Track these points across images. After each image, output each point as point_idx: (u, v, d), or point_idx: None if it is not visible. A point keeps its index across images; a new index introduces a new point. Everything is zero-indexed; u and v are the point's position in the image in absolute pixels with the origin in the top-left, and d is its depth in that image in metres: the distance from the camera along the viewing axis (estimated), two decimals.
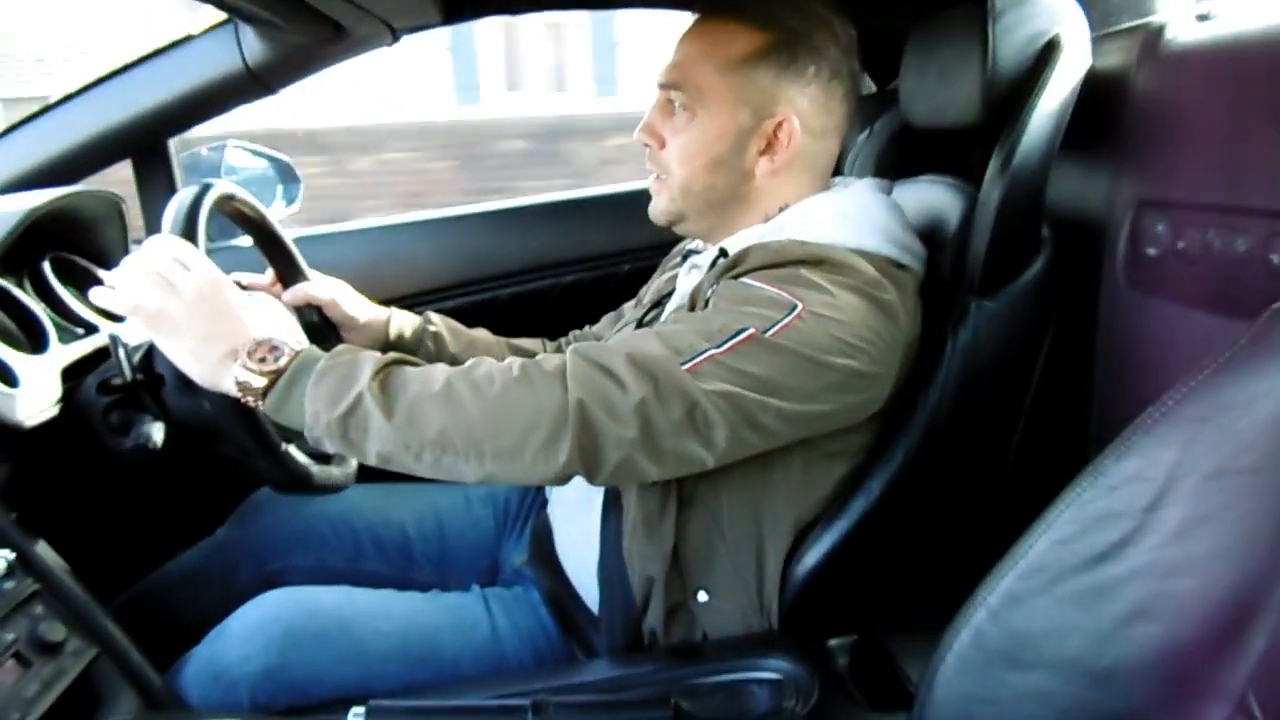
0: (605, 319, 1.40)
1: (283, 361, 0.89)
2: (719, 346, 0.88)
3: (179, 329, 0.90)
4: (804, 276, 0.92)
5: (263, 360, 0.89)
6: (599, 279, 1.79)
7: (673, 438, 0.88)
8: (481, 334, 1.34)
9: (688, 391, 0.86)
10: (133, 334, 1.00)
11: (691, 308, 1.00)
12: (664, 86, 1.05)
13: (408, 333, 1.27)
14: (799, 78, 1.01)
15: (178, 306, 0.89)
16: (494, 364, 0.90)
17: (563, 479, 0.89)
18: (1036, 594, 0.63)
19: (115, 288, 0.91)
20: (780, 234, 1.00)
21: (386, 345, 1.25)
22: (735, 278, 0.96)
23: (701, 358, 0.88)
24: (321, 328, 1.22)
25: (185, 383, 0.94)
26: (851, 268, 0.93)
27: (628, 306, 1.36)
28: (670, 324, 0.94)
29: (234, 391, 0.89)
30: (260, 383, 0.88)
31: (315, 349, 0.92)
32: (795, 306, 0.89)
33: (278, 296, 1.21)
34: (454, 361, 1.27)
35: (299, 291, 1.21)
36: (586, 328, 1.41)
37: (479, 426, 0.86)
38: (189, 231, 0.96)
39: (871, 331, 0.92)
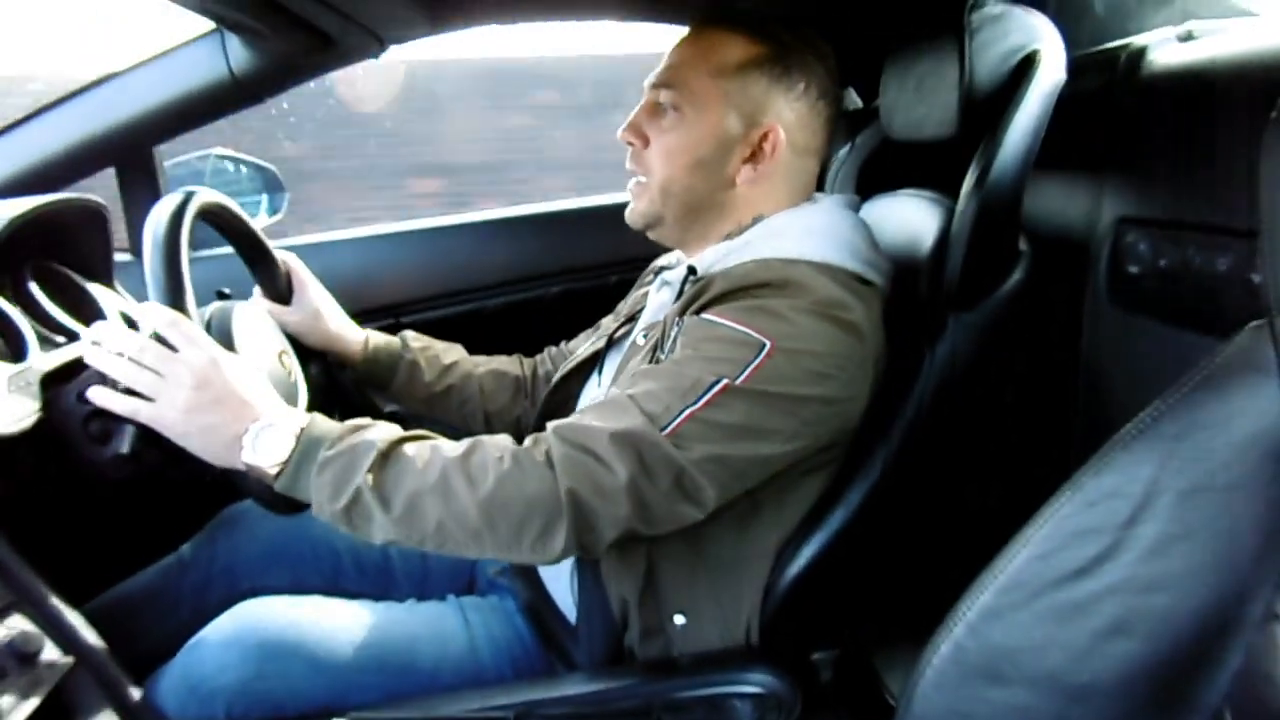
0: (581, 337, 1.39)
1: (288, 448, 0.90)
2: (695, 403, 0.88)
3: (182, 426, 0.90)
4: (768, 307, 0.92)
5: (265, 450, 0.89)
6: (587, 290, 1.79)
7: (665, 506, 0.89)
8: (458, 359, 1.34)
9: (673, 460, 0.88)
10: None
11: (660, 340, 1.00)
12: (656, 86, 1.06)
13: (382, 358, 1.28)
14: (789, 91, 1.03)
15: (177, 403, 0.89)
16: (488, 450, 0.90)
17: (562, 560, 0.90)
18: (1015, 609, 0.64)
19: (105, 368, 0.90)
20: (746, 251, 1.01)
21: (359, 371, 1.27)
22: (699, 311, 0.96)
23: (681, 418, 0.88)
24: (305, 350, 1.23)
25: None
26: (813, 290, 0.93)
27: (605, 321, 1.37)
28: (641, 380, 0.93)
29: (244, 469, 0.91)
30: (271, 470, 0.90)
31: (317, 428, 0.92)
32: (764, 346, 0.89)
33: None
34: (430, 394, 1.29)
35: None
36: (563, 344, 1.41)
37: (475, 520, 0.87)
38: (173, 271, 0.94)
39: (841, 356, 0.93)
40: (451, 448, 0.91)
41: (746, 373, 0.89)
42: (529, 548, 0.88)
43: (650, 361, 0.99)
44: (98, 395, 0.91)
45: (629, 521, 0.89)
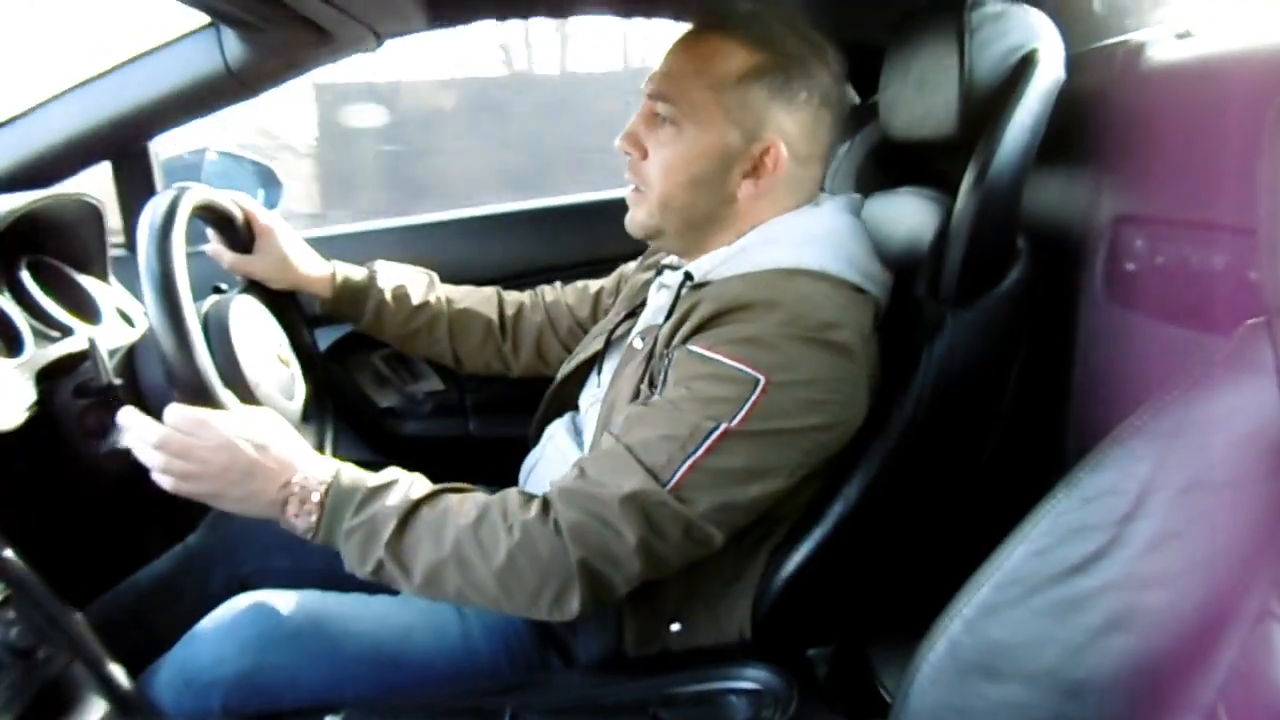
0: (572, 288, 1.40)
1: (315, 514, 0.93)
2: (696, 452, 0.89)
3: (223, 502, 0.95)
4: (757, 337, 0.91)
5: (298, 515, 0.94)
6: None
7: (676, 556, 0.92)
8: (429, 300, 1.33)
9: (680, 515, 0.89)
10: (110, 337, 0.99)
11: (649, 357, 1.00)
12: (652, 97, 1.03)
13: (349, 297, 1.29)
14: (791, 102, 1.00)
15: (210, 486, 0.93)
16: (498, 519, 0.92)
17: (582, 615, 0.93)
18: (1012, 605, 0.64)
19: (143, 459, 0.93)
20: (742, 258, 1.00)
21: (328, 306, 1.29)
22: (689, 336, 0.95)
23: (683, 470, 0.89)
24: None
25: (164, 387, 0.94)
26: (801, 312, 0.92)
27: (606, 286, 1.37)
28: (637, 427, 0.93)
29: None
30: (307, 533, 0.94)
31: (341, 487, 0.94)
32: (758, 382, 0.89)
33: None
34: (399, 334, 1.31)
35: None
36: (558, 284, 1.42)
37: (492, 590, 0.91)
38: (167, 266, 0.94)
39: (835, 380, 0.93)
40: (464, 513, 0.93)
41: (743, 413, 0.89)
42: (546, 610, 0.91)
43: (643, 375, 1.00)
44: (158, 478, 0.94)
45: (642, 576, 0.91)
